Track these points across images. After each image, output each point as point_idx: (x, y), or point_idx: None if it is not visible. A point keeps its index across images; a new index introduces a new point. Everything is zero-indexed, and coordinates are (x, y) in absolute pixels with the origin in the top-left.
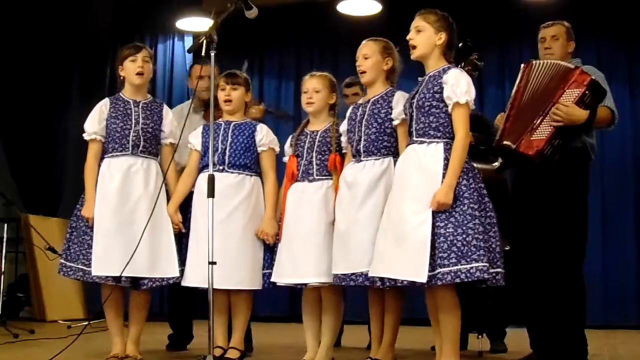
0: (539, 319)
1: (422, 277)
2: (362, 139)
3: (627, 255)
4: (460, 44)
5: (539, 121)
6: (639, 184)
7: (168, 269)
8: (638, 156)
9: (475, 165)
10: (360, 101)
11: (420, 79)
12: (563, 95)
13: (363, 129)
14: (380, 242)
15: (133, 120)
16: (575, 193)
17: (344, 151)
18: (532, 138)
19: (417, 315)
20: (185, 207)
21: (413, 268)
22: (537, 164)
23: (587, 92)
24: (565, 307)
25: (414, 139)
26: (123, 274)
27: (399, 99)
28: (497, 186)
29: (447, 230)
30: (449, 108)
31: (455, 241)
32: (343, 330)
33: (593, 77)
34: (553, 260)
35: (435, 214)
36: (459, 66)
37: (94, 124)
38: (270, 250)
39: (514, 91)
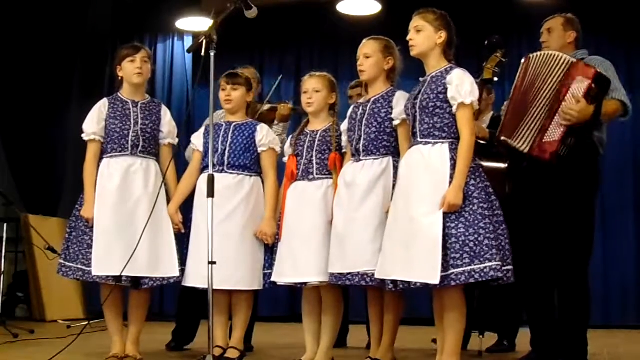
0: (541, 317)
1: (435, 278)
2: (362, 138)
3: (627, 256)
4: (486, 41)
5: (547, 122)
6: (639, 183)
7: (168, 269)
8: (638, 156)
9: (488, 164)
10: (361, 100)
11: (421, 79)
12: (569, 92)
13: (363, 128)
14: (388, 244)
15: (132, 121)
16: (584, 191)
17: (344, 150)
18: (543, 141)
19: (417, 315)
20: (186, 208)
21: (426, 270)
22: (544, 163)
23: (593, 85)
24: (570, 307)
25: (418, 139)
26: (123, 274)
27: (400, 99)
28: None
29: (459, 230)
30: (454, 109)
31: (467, 241)
32: (348, 330)
33: (597, 69)
34: (559, 259)
35: (445, 214)
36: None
37: (93, 124)
38: (270, 250)
39: (513, 87)
